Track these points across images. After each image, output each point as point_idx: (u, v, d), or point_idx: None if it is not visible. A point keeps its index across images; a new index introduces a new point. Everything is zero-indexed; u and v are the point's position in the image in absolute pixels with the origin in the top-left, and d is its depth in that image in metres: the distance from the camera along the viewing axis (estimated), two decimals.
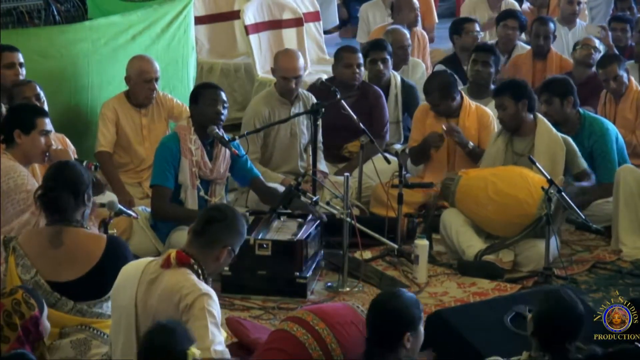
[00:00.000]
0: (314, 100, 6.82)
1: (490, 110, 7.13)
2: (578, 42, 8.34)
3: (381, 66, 7.62)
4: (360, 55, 7.44)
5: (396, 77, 7.81)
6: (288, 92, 6.92)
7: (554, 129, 6.41)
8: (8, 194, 5.05)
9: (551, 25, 8.72)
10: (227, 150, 6.08)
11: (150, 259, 4.13)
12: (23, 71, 6.30)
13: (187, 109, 6.53)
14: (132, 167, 6.82)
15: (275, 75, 7.06)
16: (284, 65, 6.99)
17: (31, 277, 4.39)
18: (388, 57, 7.69)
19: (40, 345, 3.86)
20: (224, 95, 6.08)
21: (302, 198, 5.79)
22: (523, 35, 9.51)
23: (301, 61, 7.08)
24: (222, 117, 6.01)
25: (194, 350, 3.39)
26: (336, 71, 7.43)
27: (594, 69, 8.09)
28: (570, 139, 6.43)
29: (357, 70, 7.32)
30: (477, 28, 8.92)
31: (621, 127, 7.11)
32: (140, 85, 6.71)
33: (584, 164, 6.43)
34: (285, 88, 6.92)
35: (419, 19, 9.43)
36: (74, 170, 4.56)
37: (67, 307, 4.40)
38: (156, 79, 6.73)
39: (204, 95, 6.04)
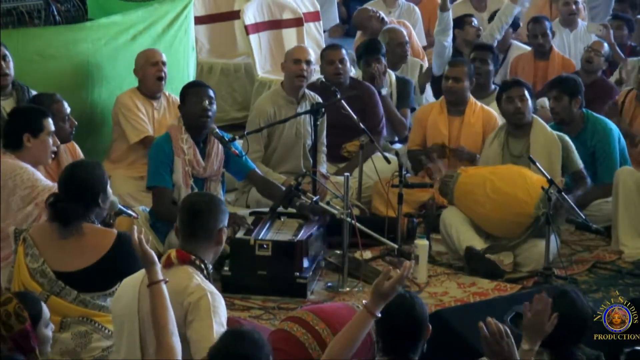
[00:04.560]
0: (320, 101, 6.83)
1: (494, 111, 7.14)
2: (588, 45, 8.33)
3: (376, 68, 7.62)
4: (343, 51, 7.41)
5: (391, 75, 7.82)
6: (299, 78, 6.90)
7: (548, 128, 6.43)
8: (14, 191, 5.05)
9: (546, 22, 8.71)
10: (220, 147, 6.10)
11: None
12: (10, 64, 6.27)
13: None
14: (137, 158, 6.87)
15: (285, 67, 7.03)
16: (296, 50, 7.15)
17: (38, 266, 4.46)
18: (382, 57, 7.70)
19: (31, 358, 3.79)
20: (210, 92, 6.14)
21: (302, 198, 5.80)
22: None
23: (312, 53, 7.16)
24: (209, 112, 6.05)
25: None
26: (322, 71, 7.44)
27: (600, 73, 8.08)
28: (566, 136, 6.44)
29: (340, 66, 7.30)
30: (475, 21, 8.97)
31: (638, 129, 7.10)
32: (148, 68, 6.83)
33: (580, 163, 6.43)
34: (296, 73, 6.91)
35: (385, 19, 9.34)
36: (85, 177, 4.56)
37: (70, 296, 4.44)
38: (163, 63, 6.84)
39: (189, 94, 6.11)
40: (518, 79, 6.67)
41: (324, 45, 9.63)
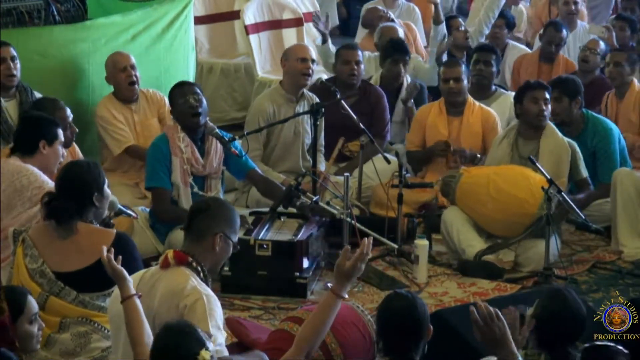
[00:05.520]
0: (317, 100, 6.84)
1: (493, 111, 7.14)
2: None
3: (402, 68, 7.64)
4: (359, 52, 7.44)
5: (407, 78, 7.82)
6: (304, 76, 6.91)
7: (559, 133, 6.41)
8: (21, 192, 5.07)
9: (564, 32, 8.69)
10: (219, 144, 6.09)
11: (144, 270, 4.13)
12: (17, 65, 6.31)
13: None
14: (129, 166, 6.86)
15: (287, 66, 7.02)
16: (300, 49, 7.15)
17: (38, 267, 4.47)
18: (408, 59, 7.71)
19: (14, 351, 3.76)
20: (195, 89, 6.10)
21: (302, 198, 5.80)
22: (537, 39, 9.49)
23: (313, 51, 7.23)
24: (199, 109, 6.00)
25: (205, 354, 3.37)
26: (336, 69, 7.45)
27: (597, 71, 8.08)
28: (575, 144, 6.42)
29: (355, 67, 7.31)
30: (462, 22, 9.00)
31: (624, 127, 7.11)
32: (118, 76, 6.77)
33: (585, 172, 6.42)
34: (302, 72, 6.91)
35: (394, 18, 9.34)
36: (80, 176, 4.56)
37: (70, 296, 4.45)
38: (131, 66, 6.77)
39: (175, 96, 6.10)
40: (542, 81, 6.62)
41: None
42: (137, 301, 3.82)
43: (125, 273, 3.91)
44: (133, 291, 3.85)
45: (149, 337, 3.74)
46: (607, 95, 7.44)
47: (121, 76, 6.76)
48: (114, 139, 6.76)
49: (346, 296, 3.90)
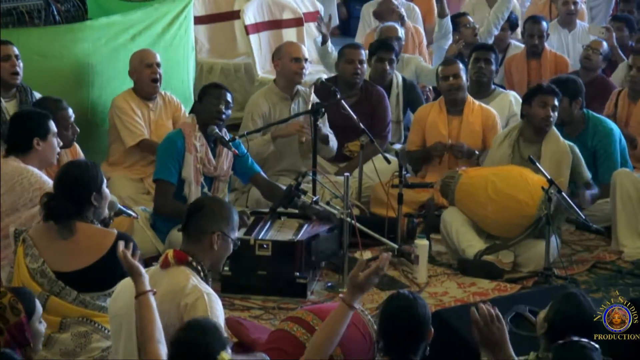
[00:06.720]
0: (313, 95, 6.84)
1: (493, 110, 7.14)
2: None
3: (387, 66, 7.63)
4: (362, 51, 7.44)
5: (398, 76, 7.82)
6: (298, 75, 6.92)
7: (561, 138, 6.39)
8: (22, 194, 5.06)
9: (544, 23, 8.70)
10: None
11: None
12: (20, 63, 6.32)
13: (186, 114, 6.78)
14: (136, 161, 6.87)
15: (281, 65, 7.02)
16: (293, 48, 7.12)
17: (38, 266, 4.47)
18: (394, 58, 7.71)
19: (27, 351, 3.75)
20: (229, 96, 6.11)
21: (302, 198, 5.80)
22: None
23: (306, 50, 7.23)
24: (224, 116, 6.05)
25: (225, 356, 3.36)
26: (339, 68, 7.44)
27: (599, 72, 8.08)
28: (576, 148, 6.41)
29: (359, 66, 7.31)
30: (471, 19, 8.99)
31: (636, 131, 7.09)
32: (143, 71, 6.80)
33: (588, 174, 6.42)
34: (296, 71, 6.92)
35: (405, 17, 9.32)
36: (78, 176, 4.56)
37: (70, 296, 4.45)
38: (157, 64, 6.81)
39: (209, 94, 6.09)
40: (554, 87, 6.58)
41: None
42: (152, 298, 3.81)
43: (142, 269, 3.90)
44: (148, 287, 3.83)
45: (160, 334, 3.74)
46: (618, 93, 7.39)
47: (146, 72, 6.80)
48: (129, 130, 6.79)
49: (357, 307, 3.91)
